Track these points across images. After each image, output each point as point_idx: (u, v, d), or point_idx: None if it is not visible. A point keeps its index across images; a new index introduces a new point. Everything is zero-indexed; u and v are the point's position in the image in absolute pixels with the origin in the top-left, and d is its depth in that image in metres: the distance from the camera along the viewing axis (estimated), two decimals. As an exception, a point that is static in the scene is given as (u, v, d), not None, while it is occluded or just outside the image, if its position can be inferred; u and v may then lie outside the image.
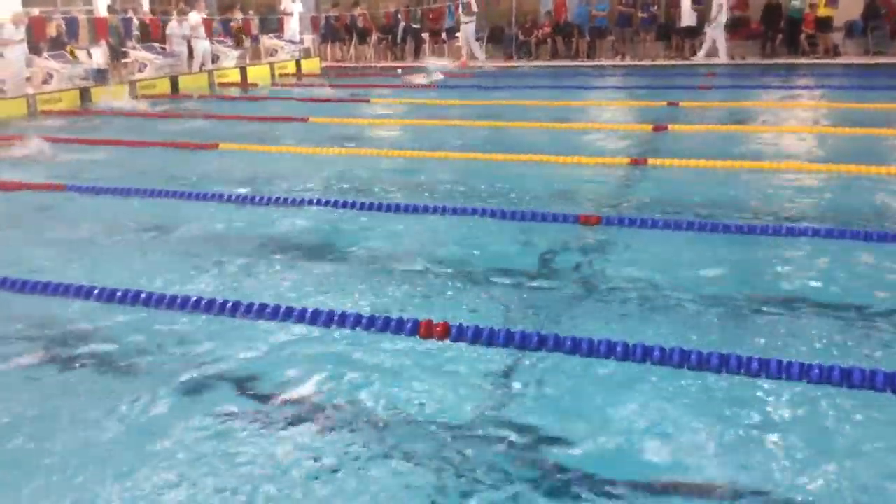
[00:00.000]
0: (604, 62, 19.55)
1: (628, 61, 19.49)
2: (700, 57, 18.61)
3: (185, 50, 17.55)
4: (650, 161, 7.96)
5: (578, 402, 3.46)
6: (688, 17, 18.64)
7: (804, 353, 3.78)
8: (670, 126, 10.16)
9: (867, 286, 4.73)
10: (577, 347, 3.79)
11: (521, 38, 20.84)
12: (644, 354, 3.68)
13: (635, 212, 6.29)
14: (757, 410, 3.31)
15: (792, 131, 10.08)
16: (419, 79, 16.60)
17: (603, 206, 6.52)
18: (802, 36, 18.79)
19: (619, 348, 3.72)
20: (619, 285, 4.76)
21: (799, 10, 18.47)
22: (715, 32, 18.33)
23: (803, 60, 18.06)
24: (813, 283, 4.80)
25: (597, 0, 19.99)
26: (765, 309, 4.37)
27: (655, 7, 19.55)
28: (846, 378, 3.40)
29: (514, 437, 3.18)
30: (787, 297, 4.55)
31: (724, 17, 18.18)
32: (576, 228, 5.84)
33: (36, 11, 17.23)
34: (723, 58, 18.40)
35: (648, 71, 18.04)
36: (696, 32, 19.06)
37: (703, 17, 19.07)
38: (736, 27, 18.86)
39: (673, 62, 18.83)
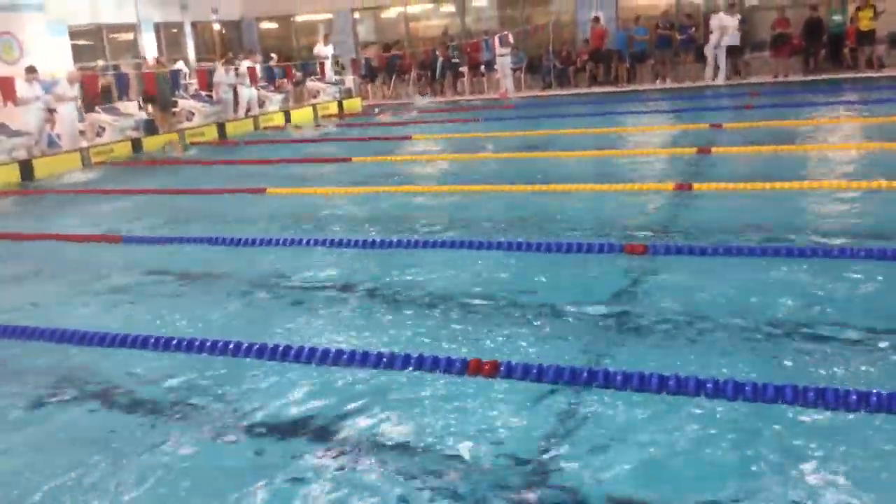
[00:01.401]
0: (644, 86, 19.51)
1: (669, 84, 19.41)
2: (720, 80, 18.53)
3: (231, 97, 18.02)
4: (695, 186, 7.90)
5: (629, 437, 3.42)
6: (732, 37, 18.52)
7: (862, 382, 3.69)
8: (714, 149, 10.07)
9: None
10: (628, 382, 3.76)
11: (559, 66, 20.92)
12: (697, 387, 3.63)
13: (682, 239, 6.23)
14: (817, 443, 3.24)
15: (840, 149, 9.90)
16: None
17: (649, 235, 6.48)
18: (846, 50, 18.54)
19: (671, 382, 3.68)
20: (669, 316, 4.71)
21: (840, 24, 18.25)
22: (718, 53, 18.29)
23: (847, 75, 17.79)
24: (870, 308, 4.69)
25: (636, 25, 20.01)
26: (821, 336, 4.29)
27: (694, 29, 19.48)
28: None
29: (566, 473, 3.16)
30: (844, 323, 4.45)
31: (727, 40, 18.12)
32: (622, 258, 5.81)
33: (96, 63, 17.91)
34: (720, 80, 18.49)
35: (690, 93, 17.93)
36: (739, 52, 18.93)
37: (748, 36, 18.98)
38: (778, 44, 18.68)
39: (715, 83, 18.68)
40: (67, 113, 14.67)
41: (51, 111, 14.42)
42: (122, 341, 4.81)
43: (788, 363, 4.00)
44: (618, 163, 10.14)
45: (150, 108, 16.93)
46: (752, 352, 4.18)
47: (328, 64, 21.13)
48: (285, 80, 20.52)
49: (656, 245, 6.02)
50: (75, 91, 14.88)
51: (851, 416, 3.36)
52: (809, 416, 3.39)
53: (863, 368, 3.87)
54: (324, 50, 21.30)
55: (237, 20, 24.92)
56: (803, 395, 3.46)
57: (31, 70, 14.14)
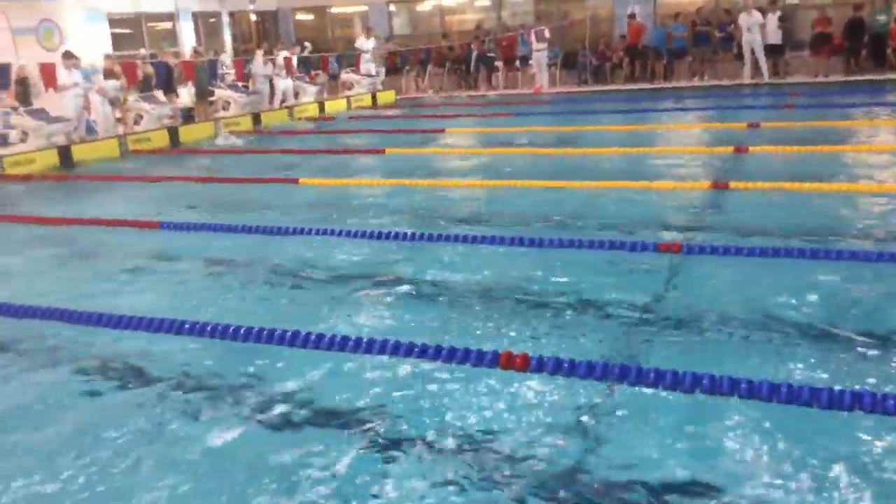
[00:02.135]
0: (681, 84, 19.30)
1: (706, 81, 19.19)
2: (764, 79, 18.29)
3: (267, 88, 18.16)
4: (732, 184, 7.80)
5: (661, 435, 3.40)
6: (773, 35, 18.27)
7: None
8: (751, 148, 9.94)
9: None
10: (661, 379, 3.73)
11: (595, 62, 20.77)
12: (731, 387, 3.59)
13: (718, 238, 6.17)
14: (854, 446, 3.19)
15: (880, 150, 9.72)
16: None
17: (684, 233, 6.42)
18: (889, 50, 18.18)
19: (704, 380, 3.64)
20: (703, 315, 4.67)
21: (884, 24, 17.90)
22: (757, 51, 18.09)
23: (890, 76, 17.45)
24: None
25: (674, 21, 19.79)
26: (857, 339, 4.22)
27: (732, 26, 19.22)
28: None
29: (597, 470, 3.14)
30: (882, 325, 4.38)
31: (756, 35, 17.94)
32: (656, 256, 5.76)
33: (137, 52, 18.13)
34: (764, 78, 18.28)
35: (727, 91, 17.71)
36: (780, 51, 18.66)
37: (788, 34, 18.69)
38: (818, 44, 18.38)
39: (754, 82, 18.44)
40: (100, 100, 14.88)
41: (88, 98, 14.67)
42: (157, 325, 4.87)
43: (823, 365, 3.95)
44: (653, 160, 10.06)
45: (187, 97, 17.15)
46: (786, 353, 4.13)
47: (367, 57, 21.19)
48: (320, 72, 20.61)
49: (691, 244, 5.96)
50: (118, 86, 15.08)
51: (890, 419, 3.31)
52: (847, 420, 3.34)
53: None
54: (366, 43, 21.38)
55: (273, 10, 25.06)
56: (839, 398, 3.41)
57: (68, 56, 14.34)
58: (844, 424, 3.33)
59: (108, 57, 15.74)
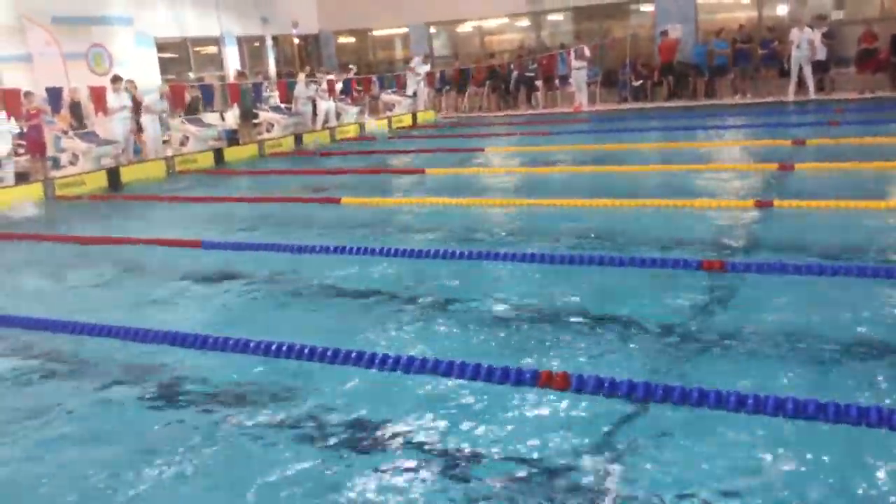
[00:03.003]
0: (724, 101, 19.11)
1: (749, 99, 18.99)
2: (810, 95, 18.03)
3: (310, 109, 18.43)
4: (776, 203, 7.69)
5: (705, 457, 3.34)
6: (819, 51, 18.03)
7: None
8: (797, 165, 9.80)
9: None
10: (705, 399, 3.68)
11: (635, 80, 20.68)
12: (776, 407, 3.53)
13: (762, 256, 6.08)
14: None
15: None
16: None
17: (727, 252, 6.34)
18: (937, 65, 17.83)
19: (749, 401, 3.59)
20: (747, 334, 4.60)
21: (932, 37, 17.56)
22: (804, 68, 17.84)
23: (939, 90, 17.09)
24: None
25: (717, 38, 19.61)
26: (908, 358, 4.13)
27: (776, 42, 19.00)
28: None
29: (636, 491, 3.11)
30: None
31: (814, 55, 17.65)
32: (699, 275, 5.70)
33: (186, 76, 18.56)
34: (811, 95, 17.97)
35: (771, 108, 17.49)
36: (825, 67, 18.39)
37: (834, 50, 18.44)
38: (864, 59, 18.08)
39: (798, 99, 18.20)
40: (150, 123, 15.25)
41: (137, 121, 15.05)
42: (202, 342, 4.95)
43: (870, 384, 3.86)
44: (696, 178, 9.94)
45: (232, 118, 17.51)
46: (833, 372, 4.05)
47: (418, 80, 21.37)
48: (361, 93, 20.87)
49: (735, 262, 5.88)
50: (164, 104, 15.48)
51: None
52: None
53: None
54: (421, 66, 21.64)
55: (315, 34, 25.45)
56: (888, 418, 3.33)
57: (116, 79, 14.75)
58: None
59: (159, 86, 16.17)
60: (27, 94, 13.24)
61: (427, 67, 21.86)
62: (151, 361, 4.88)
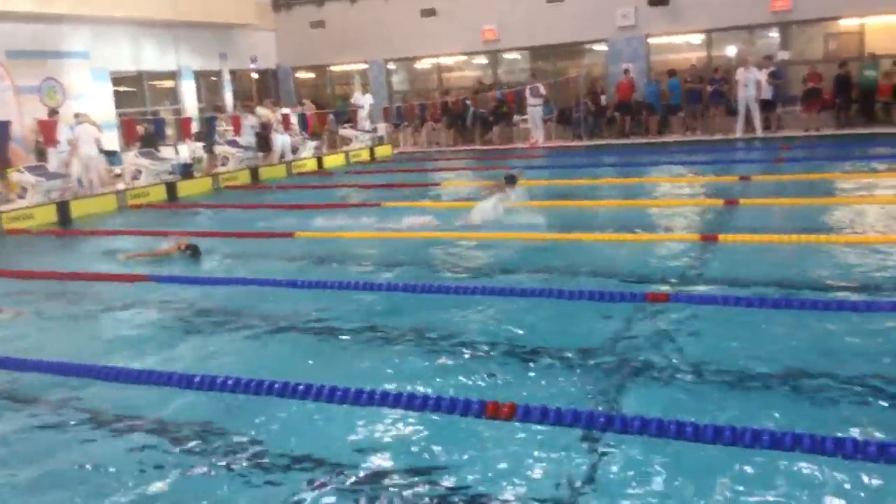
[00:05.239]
0: (674, 138, 19.55)
1: (699, 136, 19.45)
2: (758, 133, 18.55)
3: (253, 141, 18.35)
4: (720, 237, 7.87)
5: (646, 483, 3.39)
6: (765, 91, 18.58)
7: (879, 434, 3.64)
8: (742, 200, 10.05)
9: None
10: (646, 428, 3.74)
11: (590, 118, 21.07)
12: (715, 435, 3.60)
13: (705, 289, 6.21)
14: (825, 492, 3.20)
15: (870, 202, 9.82)
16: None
17: (672, 284, 6.46)
18: (877, 105, 18.48)
19: (688, 429, 3.65)
20: (688, 364, 4.69)
21: (872, 79, 18.22)
22: (751, 107, 18.42)
23: (880, 130, 17.69)
24: (894, 360, 4.63)
25: (670, 78, 20.06)
26: (840, 387, 4.24)
27: (724, 82, 19.54)
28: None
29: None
30: (864, 375, 4.39)
31: (753, 91, 18.25)
32: (644, 306, 5.79)
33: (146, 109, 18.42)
34: (758, 133, 18.51)
35: (719, 146, 17.93)
36: (772, 106, 18.96)
37: (780, 90, 19.01)
38: (810, 98, 18.68)
39: (746, 136, 18.69)
40: (86, 155, 14.85)
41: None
42: (146, 377, 4.89)
43: (809, 413, 3.96)
44: (645, 212, 10.15)
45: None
46: (770, 401, 4.14)
47: (363, 113, 21.57)
48: (319, 128, 20.95)
49: (679, 294, 6.00)
50: (93, 132, 15.06)
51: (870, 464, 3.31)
52: (826, 467, 3.35)
53: (866, 417, 3.82)
54: (361, 99, 21.80)
55: (274, 69, 25.52)
56: (821, 444, 3.41)
57: (53, 113, 14.55)
58: (829, 471, 3.33)
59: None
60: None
61: (369, 98, 22.02)
62: (88, 395, 4.80)
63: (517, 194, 10.21)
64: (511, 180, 10.26)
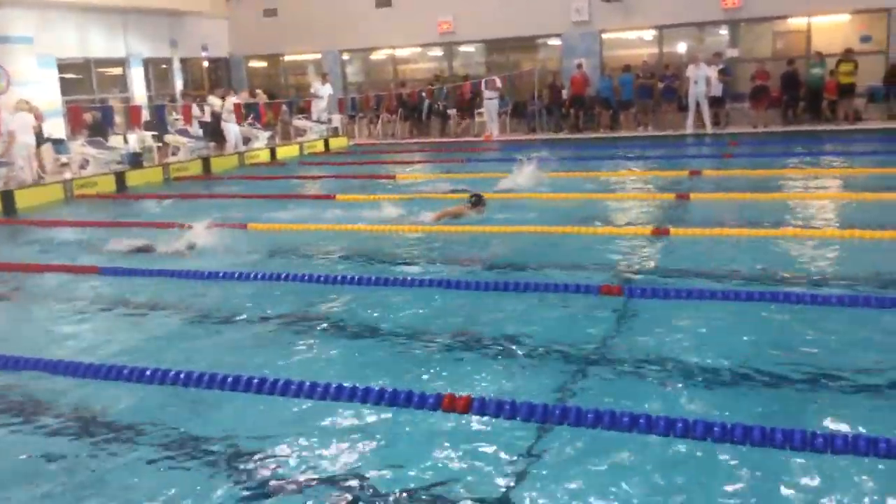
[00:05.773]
0: (626, 133, 19.78)
1: (651, 132, 19.72)
2: (707, 129, 18.87)
3: (200, 131, 18.06)
4: (672, 231, 8.00)
5: (598, 475, 3.44)
6: (715, 87, 18.90)
7: (827, 424, 3.74)
8: (693, 195, 10.22)
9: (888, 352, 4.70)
10: (600, 420, 3.78)
11: (544, 111, 21.20)
12: (667, 427, 3.66)
13: (657, 281, 6.31)
14: (788, 484, 3.28)
15: (815, 198, 10.08)
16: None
17: (625, 277, 6.55)
18: (824, 103, 18.94)
19: (641, 420, 3.71)
20: (642, 356, 4.76)
21: (820, 76, 18.66)
22: (701, 103, 18.76)
23: (825, 127, 18.14)
24: (839, 350, 4.76)
25: (623, 73, 20.26)
26: (788, 377, 4.35)
27: (675, 79, 19.82)
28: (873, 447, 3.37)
29: (535, 512, 3.17)
30: (812, 364, 4.51)
31: (703, 88, 18.58)
32: (598, 299, 5.86)
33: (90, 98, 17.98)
34: (708, 129, 18.85)
35: (670, 141, 18.20)
36: (721, 102, 19.30)
37: (729, 87, 19.36)
38: (758, 96, 19.07)
39: (696, 132, 19.00)
40: (24, 143, 14.39)
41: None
42: (95, 371, 4.79)
43: (759, 404, 4.05)
44: (597, 207, 10.25)
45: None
46: (721, 392, 4.23)
47: (322, 104, 21.35)
48: (272, 118, 20.69)
49: (632, 287, 6.08)
50: (28, 119, 14.64)
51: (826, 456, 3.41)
52: (781, 458, 3.43)
53: (825, 409, 3.93)
54: (322, 89, 21.59)
55: (226, 57, 25.14)
56: (770, 435, 3.49)
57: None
58: (784, 461, 3.42)
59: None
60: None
61: (329, 89, 21.85)
62: (36, 389, 4.69)
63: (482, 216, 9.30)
64: (478, 201, 9.35)
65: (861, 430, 3.60)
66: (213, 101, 19.01)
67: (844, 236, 7.50)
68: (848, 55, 18.30)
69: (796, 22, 20.14)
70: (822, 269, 6.61)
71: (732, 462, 3.43)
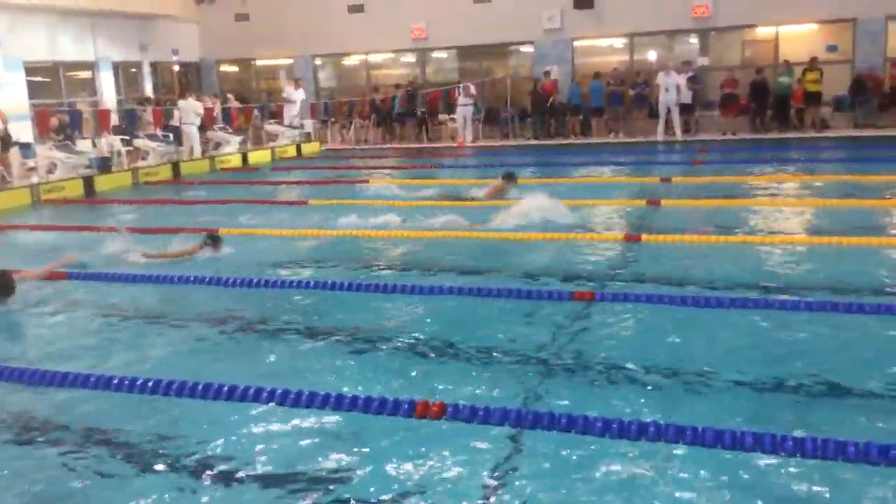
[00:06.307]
0: (597, 140, 19.92)
1: (621, 138, 19.88)
2: (678, 136, 19.08)
3: (170, 134, 17.87)
4: (644, 237, 8.06)
5: (572, 480, 3.45)
6: (685, 95, 19.11)
7: (789, 427, 3.78)
8: (663, 201, 10.31)
9: (858, 357, 4.76)
10: (573, 425, 3.80)
11: (516, 118, 21.29)
12: (639, 431, 3.68)
13: (630, 287, 6.35)
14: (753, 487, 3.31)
15: (783, 205, 10.21)
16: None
17: (597, 283, 6.58)
18: (792, 111, 19.24)
19: (614, 425, 3.73)
20: (614, 362, 4.78)
21: (787, 85, 18.94)
22: (671, 110, 18.95)
23: (793, 135, 18.42)
24: (807, 353, 4.82)
25: (594, 80, 20.41)
26: (755, 382, 4.39)
27: (646, 86, 20.03)
28: (841, 451, 3.41)
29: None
30: (783, 368, 4.57)
31: (673, 95, 18.78)
32: (570, 305, 5.89)
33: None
34: (678, 136, 19.08)
35: (641, 148, 18.36)
36: (691, 110, 19.52)
37: (698, 95, 19.58)
38: (727, 104, 19.33)
39: (666, 139, 19.19)
40: None
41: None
42: (61, 379, 4.72)
43: (730, 408, 4.08)
44: (571, 212, 10.28)
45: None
46: (693, 396, 4.26)
47: (295, 108, 21.24)
48: (243, 123, 20.56)
49: (604, 293, 6.12)
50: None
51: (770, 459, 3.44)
52: (748, 460, 3.47)
53: (786, 411, 3.97)
54: (294, 94, 21.48)
55: (196, 61, 24.95)
56: (741, 439, 3.53)
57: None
58: (749, 463, 3.45)
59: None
60: None
61: (301, 94, 21.75)
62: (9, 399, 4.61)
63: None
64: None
65: (828, 433, 3.64)
66: (182, 104, 18.83)
67: (812, 242, 7.61)
68: (813, 64, 18.63)
69: (764, 31, 20.45)
70: (789, 274, 6.69)
71: (703, 466, 3.46)
